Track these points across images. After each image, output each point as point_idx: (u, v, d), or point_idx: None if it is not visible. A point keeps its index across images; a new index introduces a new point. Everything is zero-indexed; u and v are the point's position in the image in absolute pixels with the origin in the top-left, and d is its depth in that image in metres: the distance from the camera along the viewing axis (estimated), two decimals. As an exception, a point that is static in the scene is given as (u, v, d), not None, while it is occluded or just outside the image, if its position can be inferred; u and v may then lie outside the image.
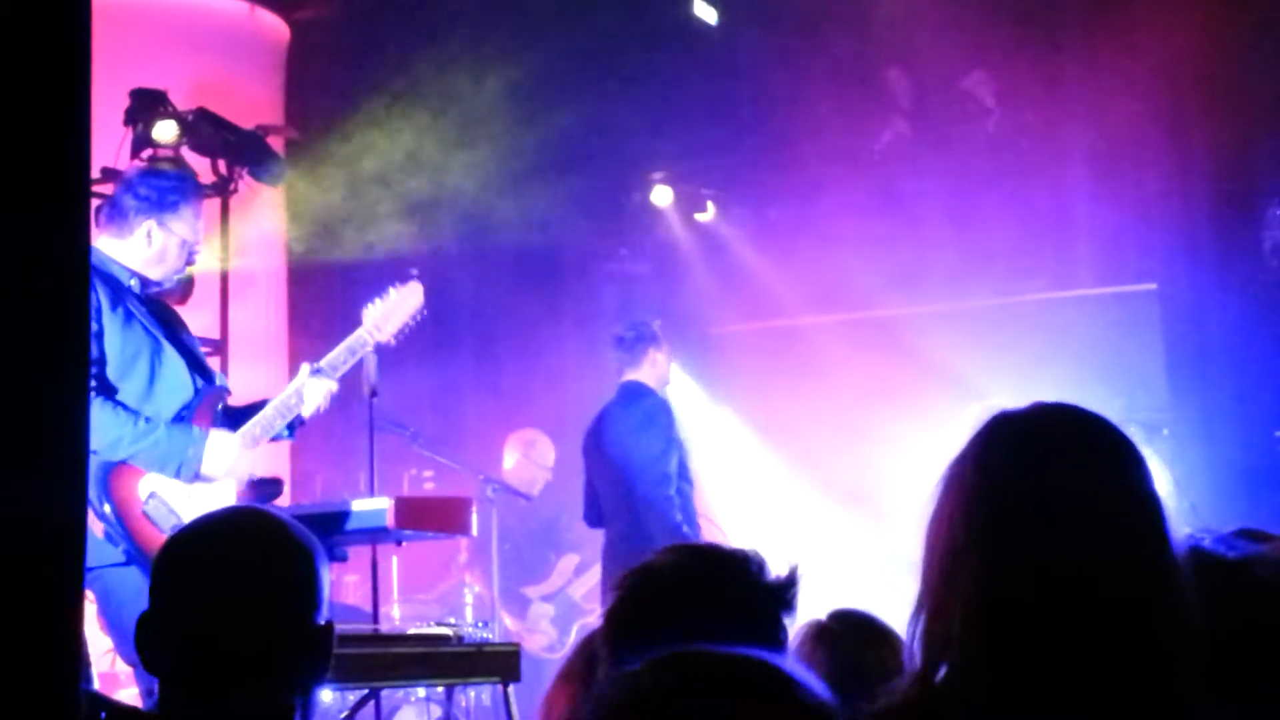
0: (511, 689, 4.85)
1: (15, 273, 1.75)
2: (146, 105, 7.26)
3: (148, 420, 4.61)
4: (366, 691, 5.05)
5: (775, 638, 2.37)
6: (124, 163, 6.96)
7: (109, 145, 6.97)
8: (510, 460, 9.02)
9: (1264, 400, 8.56)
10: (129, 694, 5.06)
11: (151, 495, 4.58)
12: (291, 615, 2.25)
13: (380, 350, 5.48)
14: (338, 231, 9.01)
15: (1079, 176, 9.48)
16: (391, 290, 5.34)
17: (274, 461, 5.47)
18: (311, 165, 8.52)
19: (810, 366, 9.87)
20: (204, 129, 7.38)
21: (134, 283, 4.86)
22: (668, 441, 7.11)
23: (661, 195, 10.52)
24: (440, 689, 6.80)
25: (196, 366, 4.90)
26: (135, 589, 4.33)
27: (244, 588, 2.23)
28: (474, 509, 5.22)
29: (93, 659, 4.72)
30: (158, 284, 4.96)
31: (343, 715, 5.39)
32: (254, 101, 8.50)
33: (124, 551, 4.50)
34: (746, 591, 2.36)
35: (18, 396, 1.75)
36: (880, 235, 9.44)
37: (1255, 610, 2.22)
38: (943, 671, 1.97)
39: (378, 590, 5.83)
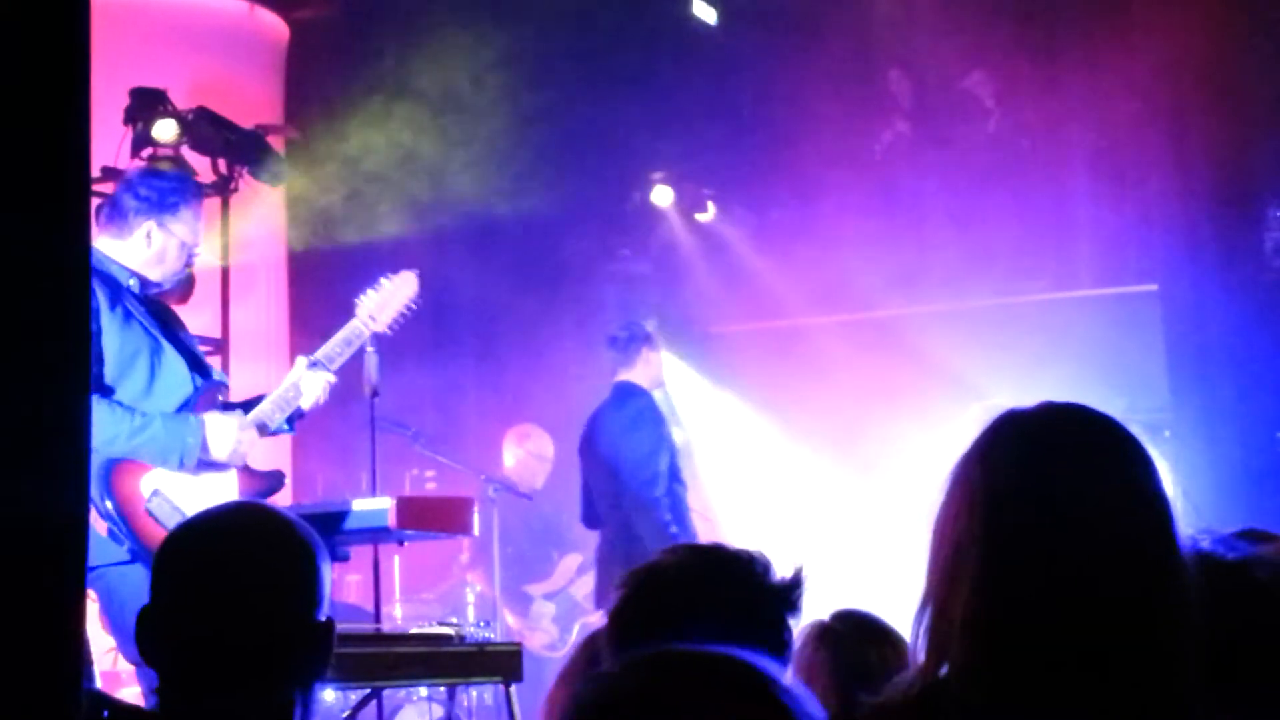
0: (513, 688, 4.85)
1: (15, 272, 1.75)
2: (146, 104, 7.26)
3: (144, 415, 4.60)
4: (368, 691, 5.05)
5: (779, 639, 2.37)
6: (124, 162, 6.96)
7: (109, 144, 6.97)
8: (511, 458, 9.04)
9: (1265, 401, 8.56)
10: (131, 693, 5.06)
11: (155, 493, 4.58)
12: (292, 612, 2.24)
13: (381, 350, 5.47)
14: (338, 230, 9.00)
15: (1079, 177, 9.49)
16: (385, 280, 5.32)
17: (275, 461, 5.45)
18: (311, 164, 8.51)
19: (811, 366, 9.86)
20: (204, 128, 7.38)
21: (133, 282, 4.85)
22: (657, 441, 7.09)
23: (662, 195, 10.51)
24: (442, 689, 6.80)
25: (196, 365, 4.90)
26: (138, 588, 4.32)
27: (245, 584, 2.23)
28: (476, 509, 5.21)
29: (95, 658, 4.71)
30: (157, 284, 4.96)
31: (344, 714, 5.39)
32: (254, 100, 8.50)
33: (129, 550, 4.49)
34: (751, 592, 2.36)
35: (18, 396, 1.74)
36: (881, 235, 9.43)
37: (1254, 611, 2.22)
38: (945, 669, 1.97)
39: (379, 590, 5.83)
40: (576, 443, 7.66)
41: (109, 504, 4.49)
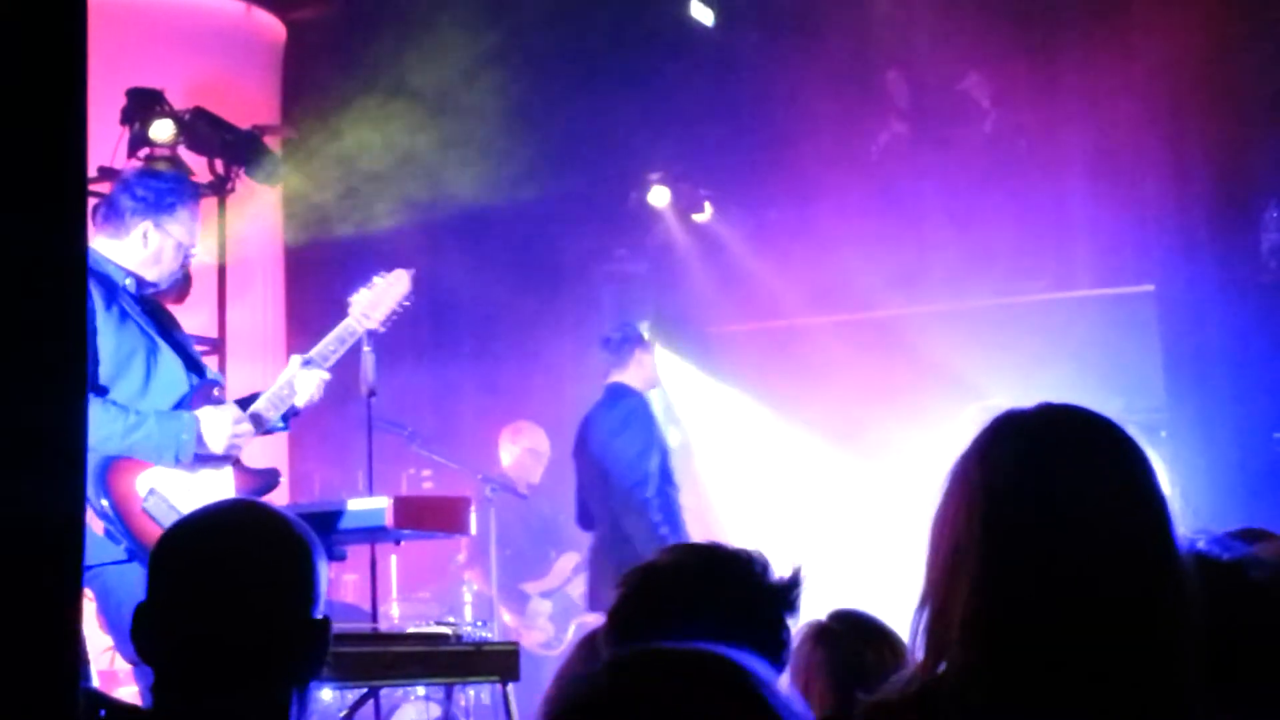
0: (511, 688, 4.85)
1: (12, 272, 1.75)
2: (143, 104, 7.26)
3: (138, 413, 4.60)
4: (366, 690, 5.05)
5: (778, 638, 2.38)
6: (121, 162, 6.96)
7: (106, 144, 6.97)
8: (507, 456, 9.08)
9: (1262, 401, 8.57)
10: (129, 692, 5.06)
11: (151, 491, 4.58)
12: (288, 610, 2.24)
13: (379, 350, 5.48)
14: (334, 230, 9.00)
15: (1077, 178, 9.49)
16: (377, 278, 5.34)
17: (272, 460, 5.46)
18: (308, 164, 8.51)
19: (808, 367, 9.87)
20: (201, 128, 7.38)
21: (129, 282, 4.85)
22: (648, 443, 7.07)
23: (659, 195, 10.51)
24: (440, 688, 6.80)
25: (191, 364, 4.90)
26: (135, 586, 4.31)
27: (241, 582, 2.22)
28: (472, 508, 5.22)
29: (92, 657, 4.72)
30: (153, 285, 4.96)
31: (342, 714, 5.39)
32: (251, 101, 8.50)
33: (125, 549, 4.49)
34: (749, 592, 2.37)
35: (15, 395, 1.74)
36: (878, 236, 9.44)
37: (1250, 612, 2.23)
38: (942, 667, 1.97)
39: (376, 589, 5.83)
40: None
41: (105, 502, 4.49)
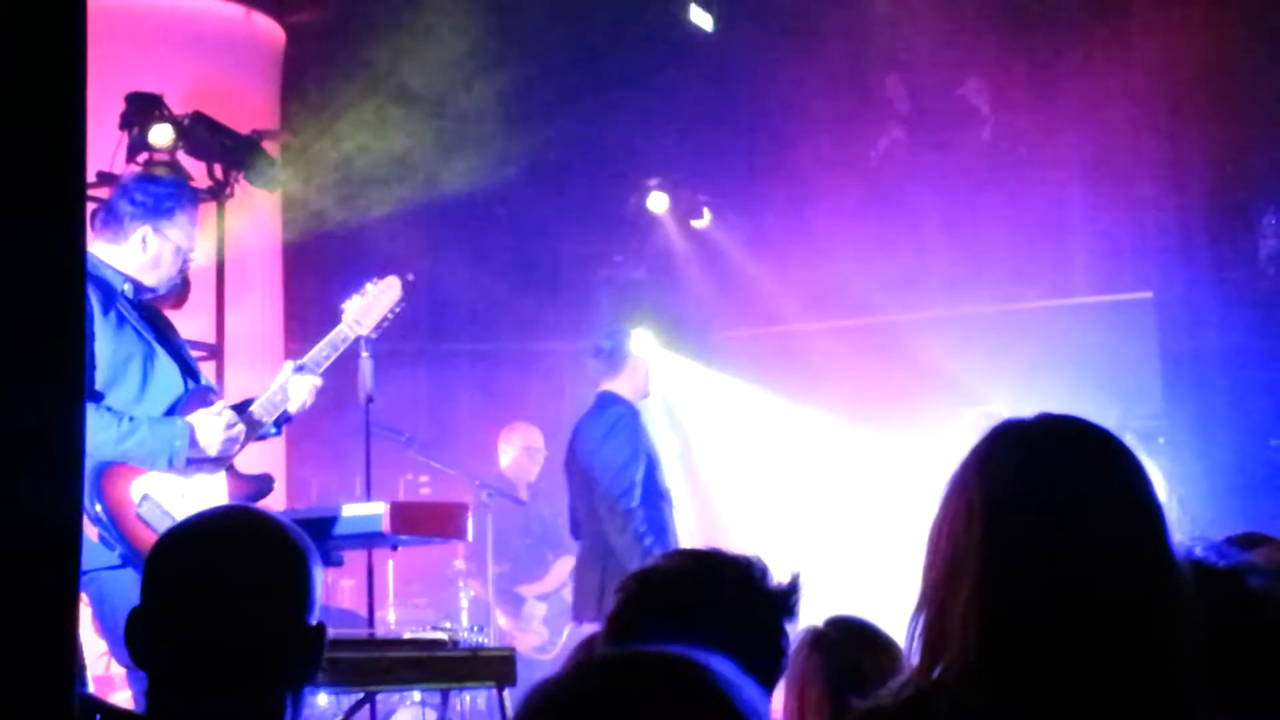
0: (507, 693, 4.85)
1: (11, 275, 1.75)
2: (142, 109, 7.26)
3: (131, 419, 4.61)
4: (362, 695, 5.05)
5: (777, 644, 2.38)
6: (120, 167, 6.96)
7: (105, 149, 6.97)
8: (505, 458, 9.14)
9: (1259, 408, 8.57)
10: (124, 697, 5.05)
11: (145, 497, 4.58)
12: (283, 615, 2.24)
13: (377, 356, 5.49)
14: (333, 236, 9.00)
15: (1076, 183, 9.49)
16: (369, 285, 5.35)
17: (269, 466, 5.46)
18: (307, 169, 8.51)
19: (807, 372, 9.87)
20: (200, 133, 7.38)
21: (127, 287, 4.86)
22: (634, 452, 6.99)
23: (657, 201, 10.51)
24: (436, 693, 6.79)
25: (187, 370, 4.90)
26: (129, 592, 4.32)
27: (235, 587, 2.22)
28: (469, 514, 5.22)
29: (88, 662, 4.71)
30: (151, 290, 4.96)
31: (338, 719, 5.39)
32: (250, 106, 8.49)
33: (120, 555, 4.50)
34: (748, 597, 2.37)
35: (13, 398, 1.74)
36: (876, 241, 9.43)
37: (1247, 618, 2.25)
38: (937, 672, 1.98)
39: (373, 594, 5.83)
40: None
41: (99, 508, 4.50)
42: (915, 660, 2.02)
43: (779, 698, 2.94)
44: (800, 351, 9.99)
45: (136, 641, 2.24)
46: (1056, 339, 9.12)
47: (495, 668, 4.81)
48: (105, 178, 6.63)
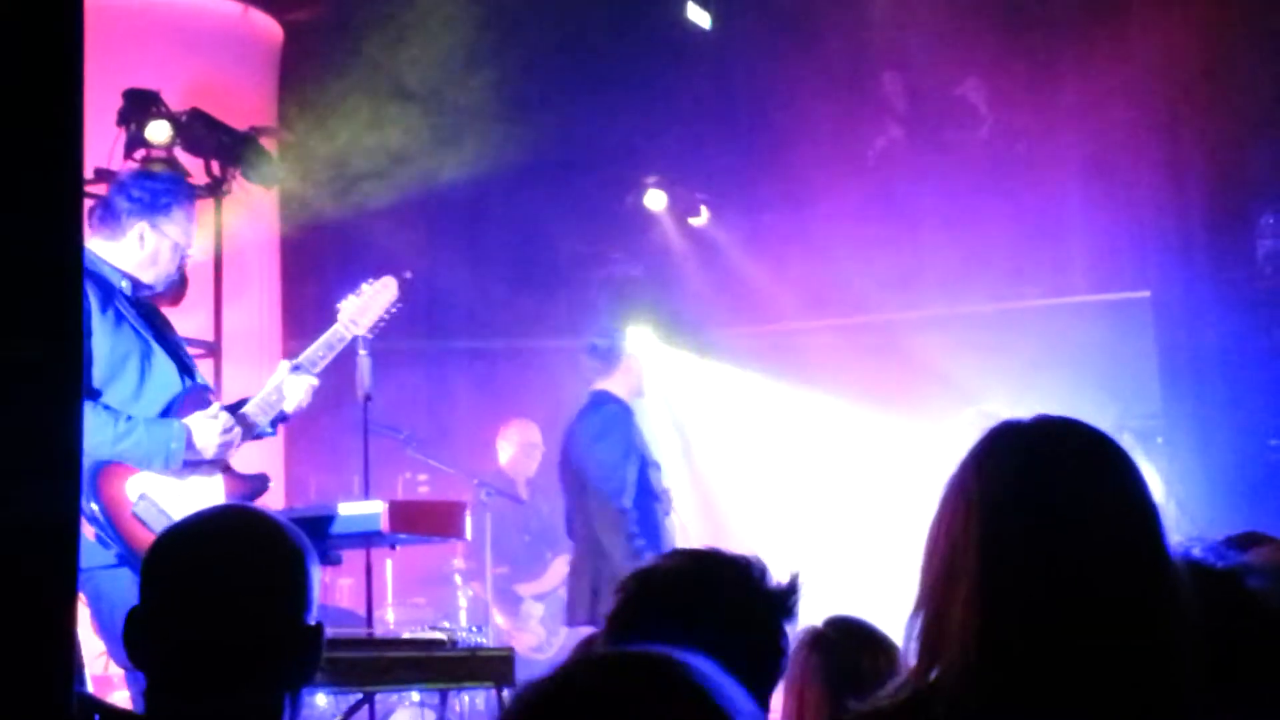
0: (506, 693, 4.85)
1: (9, 273, 1.74)
2: (140, 106, 7.25)
3: (128, 419, 4.60)
4: (361, 695, 5.04)
5: (776, 644, 2.38)
6: (117, 163, 6.95)
7: (102, 146, 6.96)
8: (504, 455, 9.16)
9: (1258, 407, 8.57)
10: (123, 697, 5.04)
11: (142, 496, 4.58)
12: (281, 615, 2.24)
13: (375, 354, 5.48)
14: (331, 233, 9.00)
15: (1074, 183, 9.49)
16: (365, 285, 5.35)
17: (267, 464, 5.45)
18: (305, 166, 8.50)
19: (805, 371, 9.87)
20: (197, 130, 7.37)
21: (125, 284, 4.85)
22: (625, 451, 6.94)
23: (655, 199, 10.50)
24: (435, 693, 6.79)
25: (184, 368, 4.90)
26: (127, 591, 4.32)
27: (233, 587, 2.22)
28: (468, 512, 5.22)
29: (86, 662, 4.71)
30: (149, 286, 4.95)
31: (337, 719, 5.38)
32: (247, 102, 8.49)
33: (116, 554, 4.49)
34: (748, 597, 2.36)
35: (11, 398, 1.74)
36: (875, 240, 9.43)
37: (1245, 620, 2.26)
38: (934, 673, 1.98)
39: (372, 594, 5.83)
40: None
41: (95, 507, 4.49)
42: (913, 661, 2.02)
43: (778, 698, 2.93)
44: (798, 350, 9.99)
45: (135, 642, 2.23)
46: (1055, 338, 9.11)
47: (494, 668, 4.81)
48: (103, 174, 6.62)
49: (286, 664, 2.23)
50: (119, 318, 4.73)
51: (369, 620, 5.83)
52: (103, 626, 4.49)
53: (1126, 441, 2.12)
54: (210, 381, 6.58)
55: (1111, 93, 9.01)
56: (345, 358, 5.28)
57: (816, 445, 9.84)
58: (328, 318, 5.29)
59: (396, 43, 8.86)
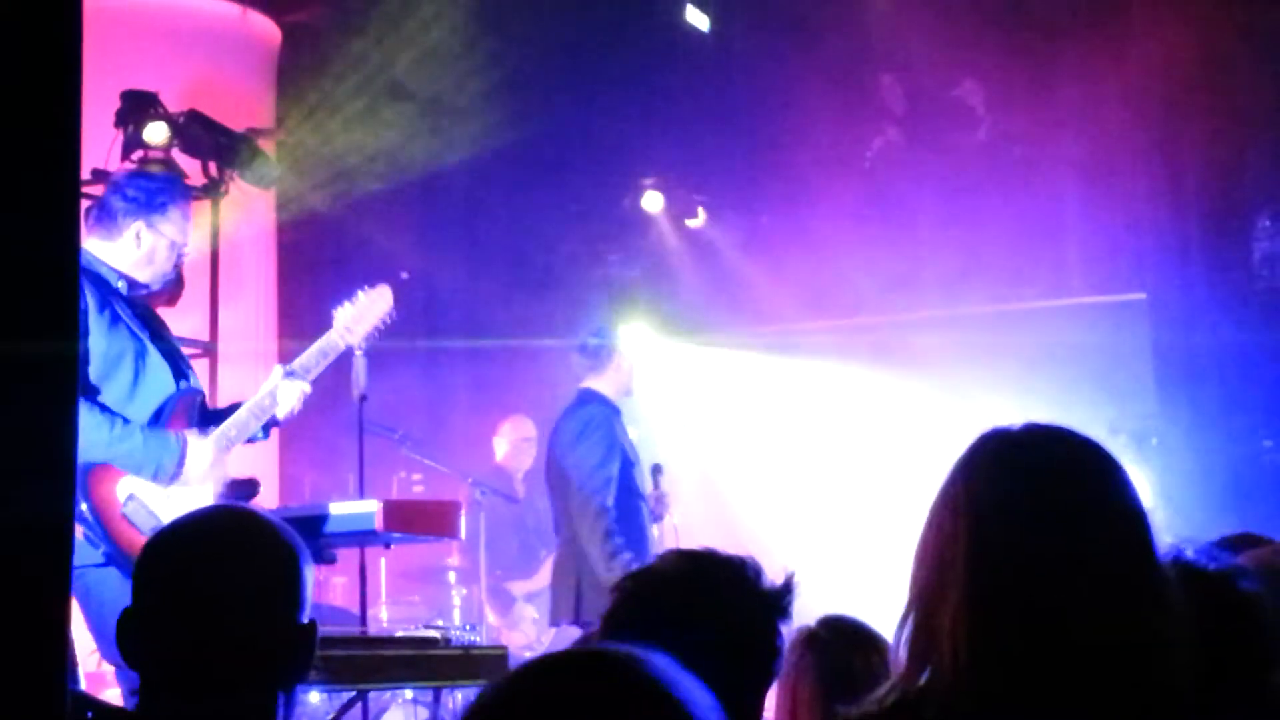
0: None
1: (6, 273, 1.75)
2: (137, 107, 7.25)
3: (125, 423, 4.60)
4: (354, 694, 5.04)
5: (771, 644, 2.38)
6: (115, 164, 6.95)
7: (100, 147, 6.96)
8: (500, 450, 9.21)
9: (1253, 408, 8.59)
10: (116, 694, 5.05)
11: (131, 497, 4.58)
12: (274, 614, 2.24)
13: (370, 353, 5.49)
14: (328, 234, 9.00)
15: (1070, 185, 9.50)
16: (360, 294, 5.35)
17: (263, 462, 5.47)
18: (302, 167, 8.50)
19: (801, 372, 9.87)
20: (195, 131, 7.37)
21: (121, 285, 4.86)
22: (607, 449, 6.91)
23: (652, 201, 10.51)
24: (428, 691, 6.79)
25: (178, 371, 4.90)
26: (116, 589, 4.34)
27: (227, 587, 2.22)
28: (462, 512, 5.22)
29: (80, 659, 4.71)
30: (145, 286, 4.95)
31: (330, 717, 5.38)
32: (245, 104, 8.49)
33: (104, 554, 4.50)
34: (743, 598, 2.37)
35: (8, 398, 1.74)
36: (872, 242, 9.44)
37: (1237, 623, 2.27)
38: (924, 678, 1.99)
39: (366, 592, 5.83)
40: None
41: (85, 506, 4.49)
42: (902, 666, 2.03)
43: (771, 697, 2.94)
44: (794, 351, 10.00)
45: (128, 642, 2.23)
46: (1052, 339, 9.13)
47: (488, 666, 4.81)
48: (100, 175, 6.62)
49: (280, 663, 2.23)
50: (115, 318, 4.73)
51: (363, 618, 5.82)
52: (92, 624, 4.50)
53: (1122, 443, 2.13)
54: (206, 381, 6.60)
55: (1109, 94, 9.03)
56: (341, 357, 5.29)
57: (813, 445, 9.85)
58: (324, 318, 5.30)
59: (393, 44, 8.86)
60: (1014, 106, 9.65)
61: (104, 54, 7.02)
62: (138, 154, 7.17)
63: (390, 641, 4.95)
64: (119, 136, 7.20)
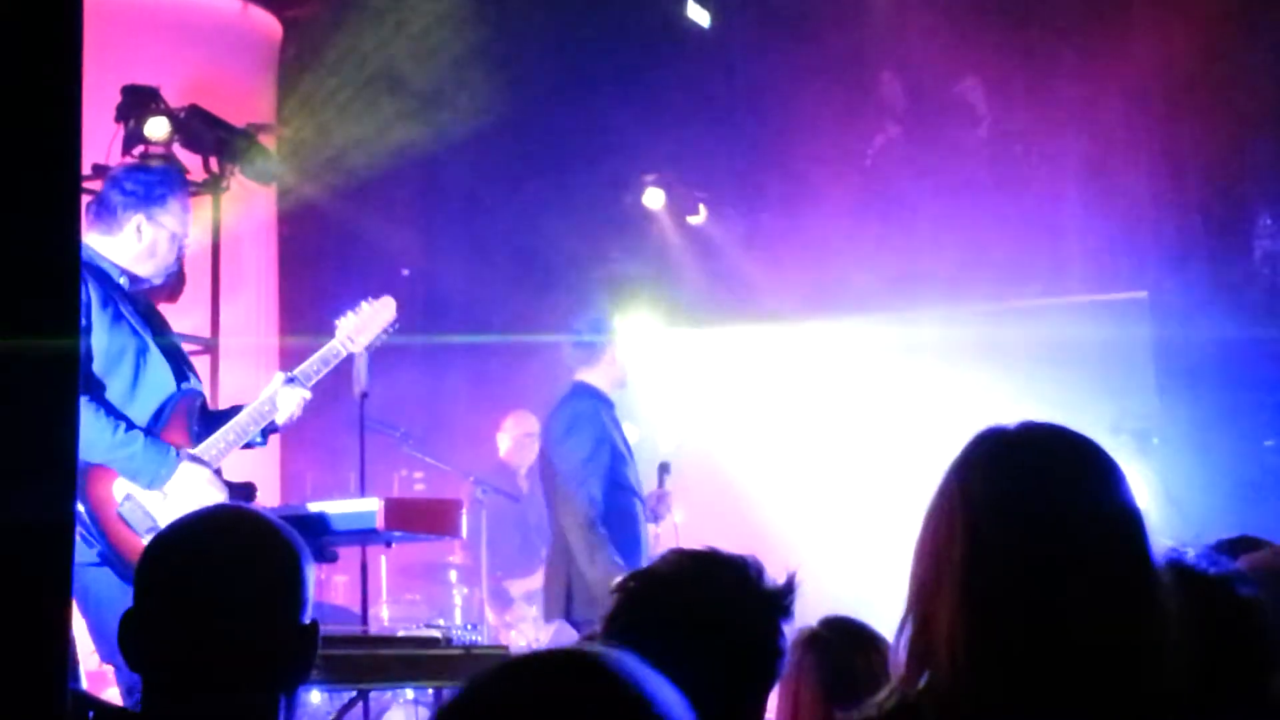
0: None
1: (6, 270, 1.74)
2: (138, 102, 7.25)
3: (129, 429, 4.60)
4: (355, 693, 5.04)
5: (773, 644, 2.38)
6: (115, 159, 6.95)
7: (100, 142, 6.96)
8: (503, 446, 9.23)
9: (1253, 407, 8.58)
10: (115, 694, 5.05)
11: (127, 497, 4.58)
12: (276, 615, 2.23)
13: (371, 351, 5.48)
14: (329, 229, 8.99)
15: (1071, 182, 9.50)
16: (364, 304, 5.35)
17: (264, 461, 5.46)
18: (303, 162, 8.50)
19: (802, 369, 9.87)
20: (196, 126, 7.37)
21: (124, 280, 4.85)
22: (596, 444, 6.85)
23: (653, 198, 10.50)
24: (429, 691, 6.79)
25: (179, 370, 4.89)
26: (109, 589, 4.35)
27: (228, 587, 2.21)
28: (464, 511, 5.22)
29: (80, 658, 4.71)
30: (147, 281, 4.95)
31: (331, 716, 5.38)
32: (246, 99, 8.49)
33: (98, 553, 4.49)
34: (745, 598, 2.36)
35: (8, 397, 1.73)
36: (872, 239, 9.44)
37: (1236, 626, 2.27)
38: (924, 681, 1.98)
39: (367, 591, 5.82)
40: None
41: (81, 506, 4.48)
42: (901, 669, 2.02)
43: (773, 698, 2.94)
44: (795, 348, 9.99)
45: (130, 644, 2.23)
46: (1052, 338, 9.12)
47: (488, 666, 4.80)
48: (101, 170, 6.62)
49: (282, 663, 2.23)
50: (117, 314, 4.72)
51: (364, 617, 5.82)
52: (89, 623, 4.49)
53: (1124, 442, 2.13)
54: (207, 377, 6.59)
55: (1110, 92, 9.02)
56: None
57: (813, 445, 9.84)
58: (325, 313, 5.30)
59: (395, 40, 8.86)
60: (1015, 104, 9.65)
61: (105, 49, 7.00)
62: (138, 149, 7.17)
63: (391, 641, 4.95)
64: (119, 131, 7.20)
